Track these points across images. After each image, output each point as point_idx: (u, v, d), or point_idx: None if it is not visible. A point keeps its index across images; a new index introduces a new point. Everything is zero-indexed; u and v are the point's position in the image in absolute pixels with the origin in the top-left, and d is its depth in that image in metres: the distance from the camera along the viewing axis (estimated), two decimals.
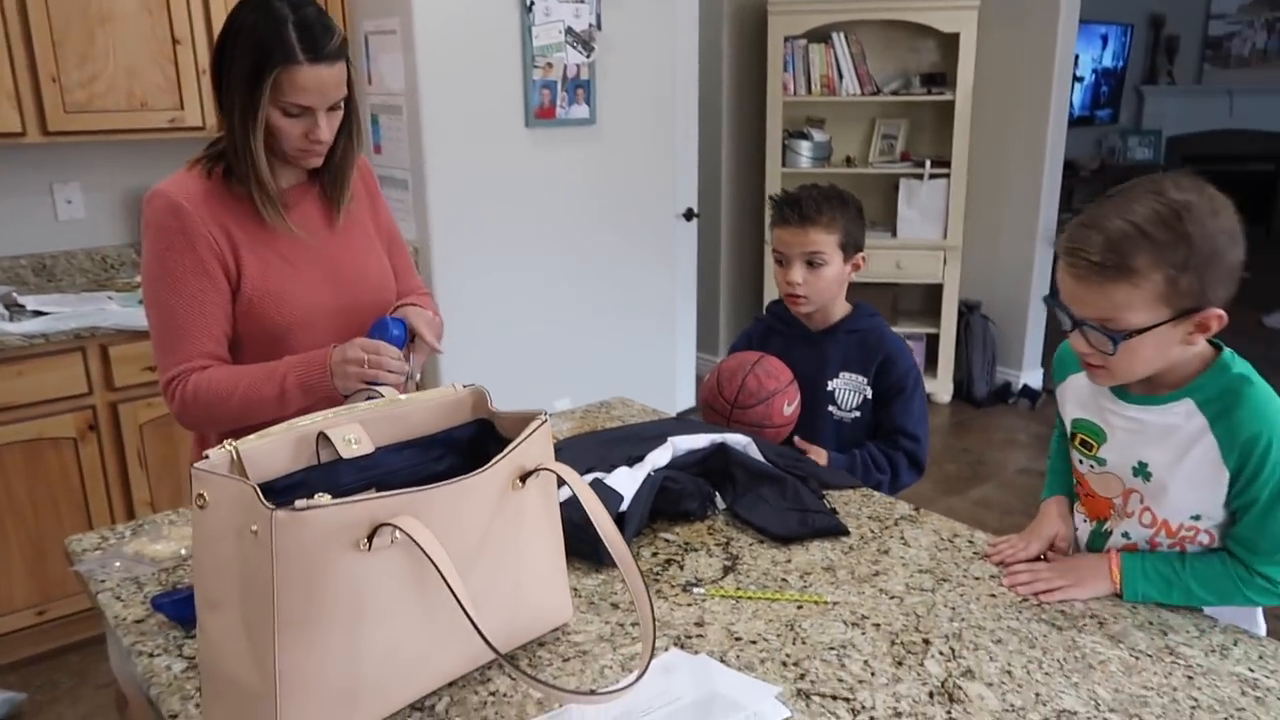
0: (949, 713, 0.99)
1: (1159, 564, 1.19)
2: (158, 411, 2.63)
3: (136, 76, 2.70)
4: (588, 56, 3.16)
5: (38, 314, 2.55)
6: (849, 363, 1.80)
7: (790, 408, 1.70)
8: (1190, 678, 1.05)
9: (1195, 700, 1.01)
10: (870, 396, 1.80)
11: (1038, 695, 1.02)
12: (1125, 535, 1.26)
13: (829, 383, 1.81)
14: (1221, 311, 1.09)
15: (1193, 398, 1.16)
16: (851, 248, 1.77)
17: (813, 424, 1.79)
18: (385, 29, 2.92)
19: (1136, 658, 1.08)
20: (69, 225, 2.99)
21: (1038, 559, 1.29)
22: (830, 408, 1.81)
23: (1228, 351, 1.18)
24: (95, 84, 2.64)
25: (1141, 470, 1.21)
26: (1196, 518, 1.19)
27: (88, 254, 3.00)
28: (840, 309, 1.84)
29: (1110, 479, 1.26)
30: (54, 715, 2.42)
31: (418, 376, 1.52)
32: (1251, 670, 1.06)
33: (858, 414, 1.80)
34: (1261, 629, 1.26)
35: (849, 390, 1.80)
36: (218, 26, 2.74)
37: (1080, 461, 1.30)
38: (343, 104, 1.46)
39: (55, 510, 2.55)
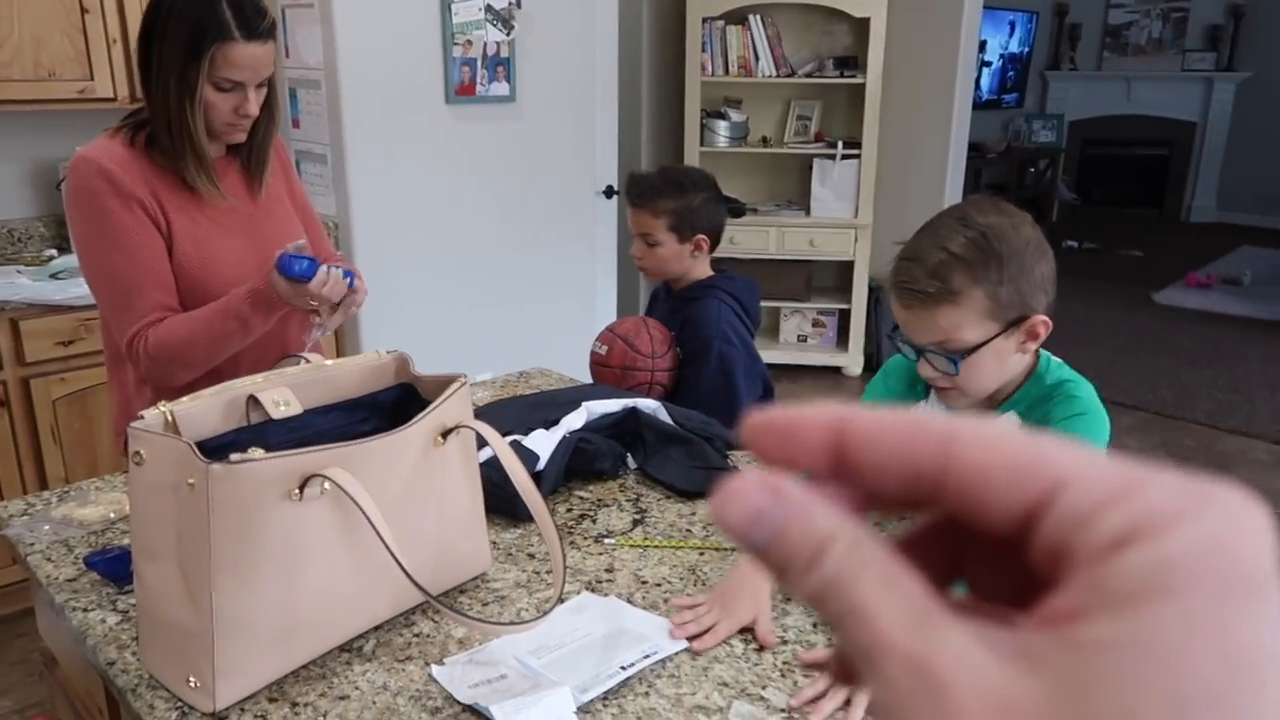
0: (830, 639, 1.10)
1: None
2: (71, 387, 2.61)
3: (44, 46, 2.65)
4: (507, 34, 3.21)
5: None
6: (671, 325, 1.97)
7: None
8: None
9: None
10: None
11: None
12: None
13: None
14: (1046, 318, 1.19)
15: (1015, 409, 1.25)
16: (687, 230, 1.92)
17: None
18: (303, 2, 2.92)
19: None
20: None
21: None
22: None
23: (1044, 359, 1.26)
24: (0, 53, 2.59)
25: None
26: None
27: None
28: (694, 276, 1.99)
29: None
30: None
31: (328, 331, 1.59)
32: None
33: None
34: None
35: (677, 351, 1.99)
36: None
37: None
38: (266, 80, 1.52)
39: None
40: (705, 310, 1.93)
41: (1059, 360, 1.28)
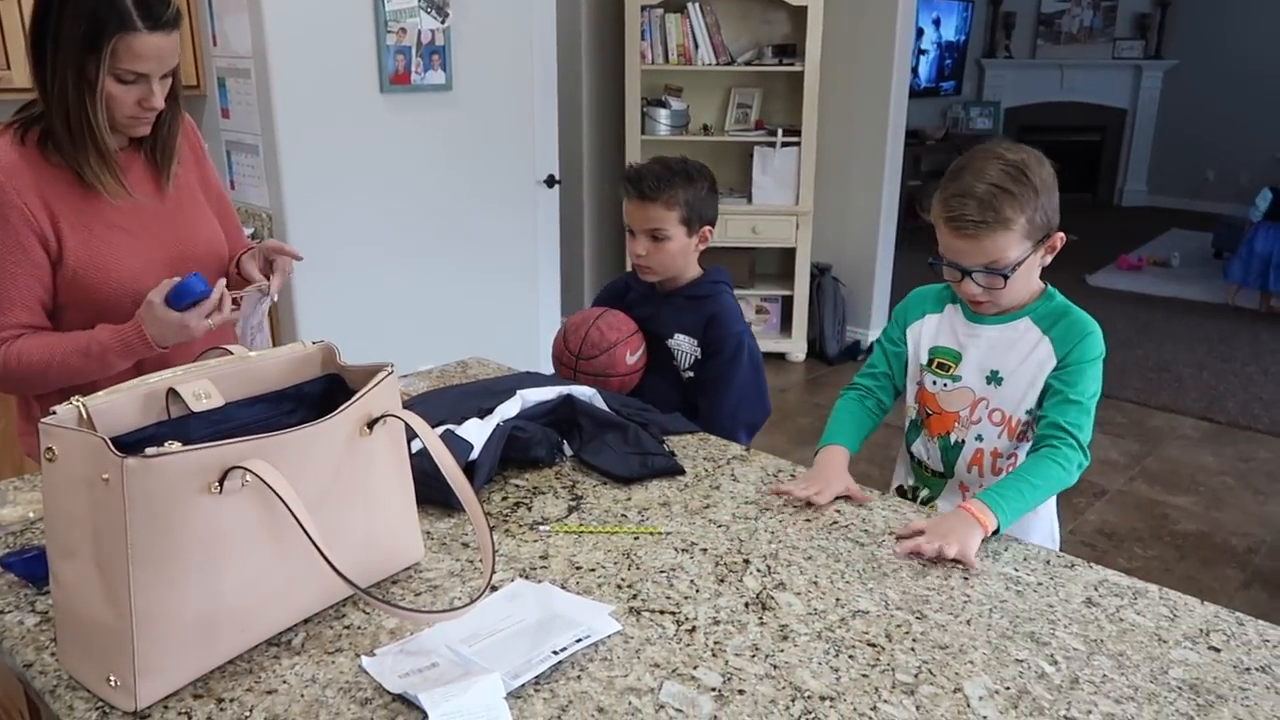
0: (760, 619, 1.12)
1: (1007, 482, 1.37)
2: None
3: None
4: (442, 22, 3.17)
5: None
6: (684, 325, 1.88)
7: (633, 357, 1.81)
8: (965, 579, 1.21)
9: (968, 595, 1.17)
10: (700, 357, 1.88)
11: (838, 600, 1.16)
12: (979, 439, 1.52)
13: (667, 341, 1.90)
14: (1062, 234, 1.44)
15: (1030, 316, 1.50)
16: (696, 222, 1.84)
17: (660, 378, 1.90)
18: None
19: (924, 565, 1.24)
20: None
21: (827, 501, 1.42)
22: (674, 364, 1.91)
23: (1050, 287, 1.52)
24: None
25: (994, 377, 1.50)
26: (1029, 411, 1.48)
27: None
28: (690, 273, 1.91)
29: (962, 392, 1.53)
30: None
31: (275, 298, 1.57)
32: (1016, 570, 1.24)
33: (691, 374, 1.89)
34: (1056, 542, 1.54)
35: (683, 351, 1.89)
36: None
37: (934, 383, 1.56)
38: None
39: None
40: (728, 306, 1.88)
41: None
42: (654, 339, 1.89)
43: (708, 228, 1.88)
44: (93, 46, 1.35)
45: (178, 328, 1.40)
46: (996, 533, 1.29)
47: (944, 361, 1.55)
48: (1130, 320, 5.69)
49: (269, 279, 1.56)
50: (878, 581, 1.20)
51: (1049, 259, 1.46)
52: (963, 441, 1.54)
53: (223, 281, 1.46)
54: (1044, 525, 1.55)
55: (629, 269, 2.05)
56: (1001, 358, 1.50)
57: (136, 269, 1.50)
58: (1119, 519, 3.36)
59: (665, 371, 1.90)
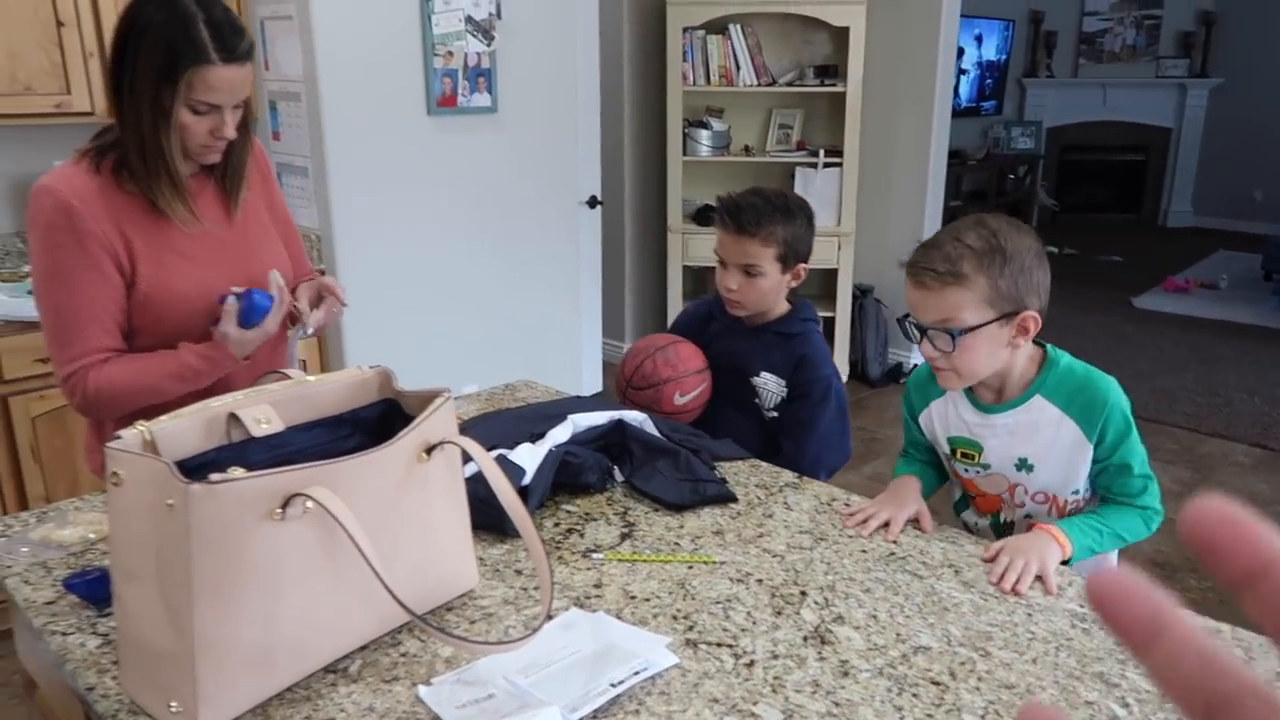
0: (820, 654, 1.10)
1: (1087, 522, 1.36)
2: (51, 404, 2.58)
3: (19, 60, 2.63)
4: (488, 45, 3.20)
5: None
6: (772, 364, 1.82)
7: (683, 398, 1.75)
8: (1030, 614, 1.18)
9: (1032, 633, 1.14)
10: (786, 397, 1.83)
11: (898, 635, 1.14)
12: (1028, 517, 1.46)
13: (752, 379, 1.84)
14: (1036, 314, 1.35)
15: (1040, 393, 1.42)
16: (792, 259, 1.77)
17: (741, 414, 1.84)
18: (282, 14, 2.90)
19: (985, 599, 1.22)
20: None
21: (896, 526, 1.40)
22: (756, 401, 1.85)
23: (1050, 349, 1.44)
24: None
25: (1024, 464, 1.43)
26: (1076, 492, 1.42)
27: None
28: (778, 309, 1.84)
29: (996, 479, 1.47)
30: None
31: (310, 331, 1.59)
32: (1081, 606, 1.20)
33: (774, 414, 1.84)
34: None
35: (769, 390, 1.83)
36: (103, 8, 2.71)
37: (965, 471, 1.51)
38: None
39: None
40: (818, 347, 1.83)
41: (1067, 354, 1.45)
42: (737, 374, 1.83)
43: (802, 265, 1.80)
44: (168, 78, 1.38)
45: (259, 336, 1.48)
46: (1066, 563, 1.27)
47: (967, 452, 1.50)
48: (1178, 344, 5.58)
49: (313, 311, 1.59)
50: (939, 616, 1.18)
51: (1021, 341, 1.37)
52: (1013, 521, 1.50)
53: (277, 278, 1.51)
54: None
55: (710, 294, 1.96)
56: (1025, 444, 1.43)
57: (204, 294, 1.53)
58: (1172, 548, 3.28)
59: (747, 408, 1.84)
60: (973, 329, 1.33)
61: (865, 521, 1.40)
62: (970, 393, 1.47)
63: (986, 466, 1.47)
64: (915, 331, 1.39)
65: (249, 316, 1.45)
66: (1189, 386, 4.85)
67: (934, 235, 1.39)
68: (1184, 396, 4.71)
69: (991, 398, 1.45)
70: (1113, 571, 0.26)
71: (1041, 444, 1.41)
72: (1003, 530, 1.50)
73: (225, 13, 1.42)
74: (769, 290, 1.79)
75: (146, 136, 1.42)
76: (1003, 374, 1.42)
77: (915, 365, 4.99)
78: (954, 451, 1.51)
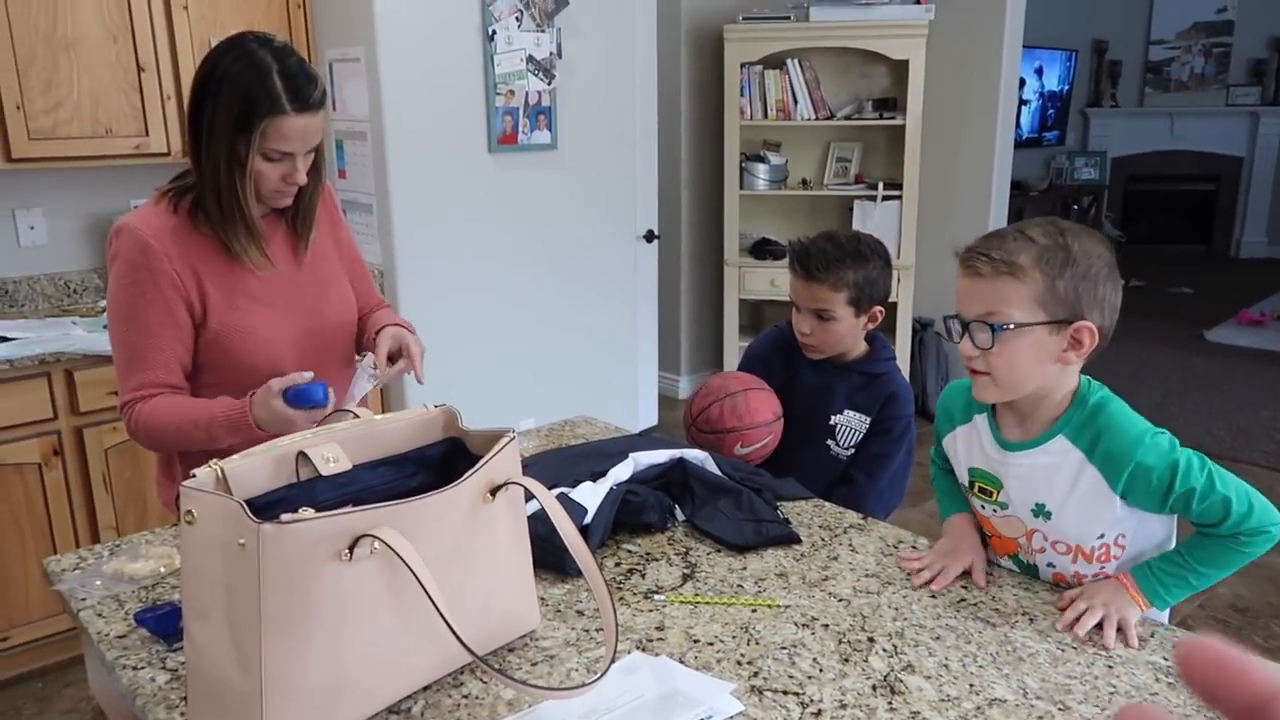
0: (890, 704, 1.07)
1: (1166, 566, 1.23)
2: (123, 436, 2.63)
3: (101, 103, 2.73)
4: (549, 84, 3.25)
5: (2, 339, 2.56)
6: (856, 401, 1.80)
7: (744, 449, 1.72)
8: (1110, 667, 1.14)
9: (1114, 687, 1.10)
10: (865, 433, 1.81)
11: (971, 686, 1.10)
12: (1050, 565, 1.35)
13: (833, 417, 1.82)
14: (1093, 325, 1.20)
15: (1064, 433, 1.27)
16: (866, 302, 1.75)
17: (814, 457, 1.81)
18: (350, 57, 2.98)
19: (1063, 650, 1.17)
20: (31, 251, 3.00)
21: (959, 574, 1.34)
22: (829, 442, 1.82)
23: (1084, 381, 1.29)
24: (60, 111, 2.67)
25: (1040, 510, 1.31)
26: (1101, 536, 1.29)
27: (50, 279, 3.02)
28: (858, 349, 1.83)
29: (1013, 521, 1.35)
30: None
31: (379, 383, 1.58)
32: (1166, 659, 1.15)
33: (851, 451, 1.82)
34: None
35: (850, 428, 1.81)
36: (182, 54, 2.82)
37: (983, 507, 1.39)
38: None
39: (19, 536, 2.55)
40: (904, 387, 1.82)
41: (1098, 383, 1.30)
42: (818, 411, 1.81)
43: (878, 308, 1.78)
44: (244, 127, 1.42)
45: (284, 422, 1.40)
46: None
47: (985, 486, 1.37)
48: (1254, 378, 5.39)
49: (390, 364, 1.58)
50: (1013, 666, 1.14)
51: (1073, 358, 1.22)
52: (1035, 564, 1.37)
53: (369, 365, 1.54)
54: None
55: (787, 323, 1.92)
56: (1043, 489, 1.29)
57: (273, 335, 1.56)
58: (1252, 593, 3.15)
59: (818, 444, 1.83)
60: (1018, 326, 1.20)
61: (920, 572, 1.34)
62: (994, 421, 1.34)
63: (1004, 505, 1.35)
64: (957, 327, 1.25)
65: (298, 398, 1.41)
66: (1266, 423, 4.68)
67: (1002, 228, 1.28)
68: (1261, 433, 4.53)
69: (1016, 429, 1.31)
70: (1201, 642, 0.25)
71: (1060, 491, 1.28)
72: (1029, 571, 1.39)
73: (299, 63, 1.46)
74: (844, 334, 1.77)
75: (223, 182, 1.46)
76: (1038, 397, 1.27)
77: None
78: (972, 484, 1.39)
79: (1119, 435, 1.23)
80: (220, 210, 1.49)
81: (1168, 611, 1.32)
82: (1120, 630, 1.19)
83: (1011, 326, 1.20)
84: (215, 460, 1.01)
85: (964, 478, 1.41)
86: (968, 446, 1.39)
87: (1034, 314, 1.20)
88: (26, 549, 2.56)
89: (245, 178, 1.46)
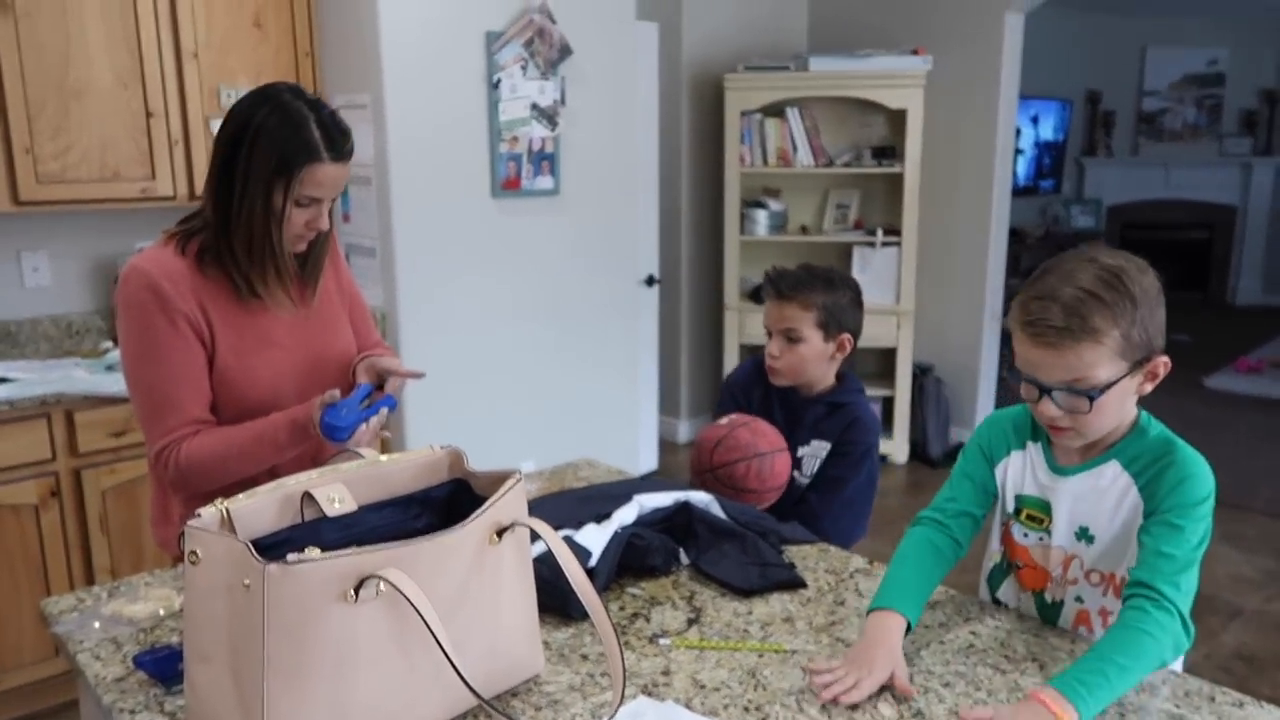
0: None
1: (1082, 664, 1.13)
2: (121, 478, 2.64)
3: (110, 148, 2.76)
4: (552, 130, 3.29)
5: (3, 380, 2.56)
6: (820, 430, 1.84)
7: (759, 507, 1.73)
8: (1122, 715, 1.12)
9: None
10: (825, 456, 1.84)
11: None
12: (1079, 600, 1.33)
13: (799, 449, 1.85)
14: (1166, 358, 1.23)
15: (1118, 459, 1.28)
16: (834, 327, 1.81)
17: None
18: (357, 103, 3.02)
19: None
20: (35, 292, 3.01)
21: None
22: (794, 473, 1.84)
23: (1144, 414, 1.31)
24: (69, 155, 2.70)
25: (1084, 534, 1.31)
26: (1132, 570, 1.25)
27: (53, 320, 3.02)
28: (827, 380, 1.88)
29: (1053, 551, 1.34)
30: None
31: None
32: (1177, 706, 1.14)
33: (808, 479, 1.84)
34: (1179, 667, 1.33)
35: (815, 457, 1.84)
36: (191, 100, 2.85)
37: (1025, 535, 1.37)
38: None
39: (13, 578, 2.53)
40: (870, 415, 1.84)
41: (1163, 426, 1.31)
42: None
43: (846, 336, 1.83)
44: (284, 174, 1.45)
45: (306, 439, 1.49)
46: None
47: (1034, 514, 1.35)
48: (1254, 426, 5.39)
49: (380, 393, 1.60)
50: None
51: (1149, 387, 1.24)
52: (1061, 601, 1.35)
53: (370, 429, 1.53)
54: None
55: (758, 356, 1.98)
56: (1089, 512, 1.30)
57: (277, 376, 1.57)
58: (1258, 641, 3.11)
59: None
60: (1108, 386, 1.19)
61: (829, 686, 1.15)
62: (1049, 448, 1.34)
63: (1050, 533, 1.33)
64: (1035, 390, 1.23)
65: (328, 431, 1.45)
66: (1267, 471, 4.67)
67: (1041, 280, 1.22)
68: (1263, 481, 4.52)
69: (1073, 455, 1.31)
70: None
71: (1104, 514, 1.28)
72: (1049, 610, 1.37)
73: (332, 114, 1.50)
74: (809, 358, 1.82)
75: (256, 230, 1.48)
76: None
77: (955, 469, 4.84)
78: (1018, 512, 1.38)
79: (1177, 461, 1.24)
80: (249, 254, 1.50)
81: (1181, 659, 1.30)
82: None
83: (1103, 391, 1.19)
84: (220, 500, 1.01)
85: (1009, 505, 1.39)
86: (1019, 474, 1.38)
87: (1119, 368, 1.19)
88: (20, 591, 2.53)
89: (283, 222, 1.48)
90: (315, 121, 1.46)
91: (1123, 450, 1.28)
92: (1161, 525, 1.21)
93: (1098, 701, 1.08)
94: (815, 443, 1.84)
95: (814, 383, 1.87)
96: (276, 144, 1.44)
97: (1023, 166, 8.21)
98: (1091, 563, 1.31)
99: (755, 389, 1.95)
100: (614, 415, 3.75)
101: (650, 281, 4.10)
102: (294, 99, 1.47)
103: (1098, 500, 1.29)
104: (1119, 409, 1.24)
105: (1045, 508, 1.34)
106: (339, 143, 1.48)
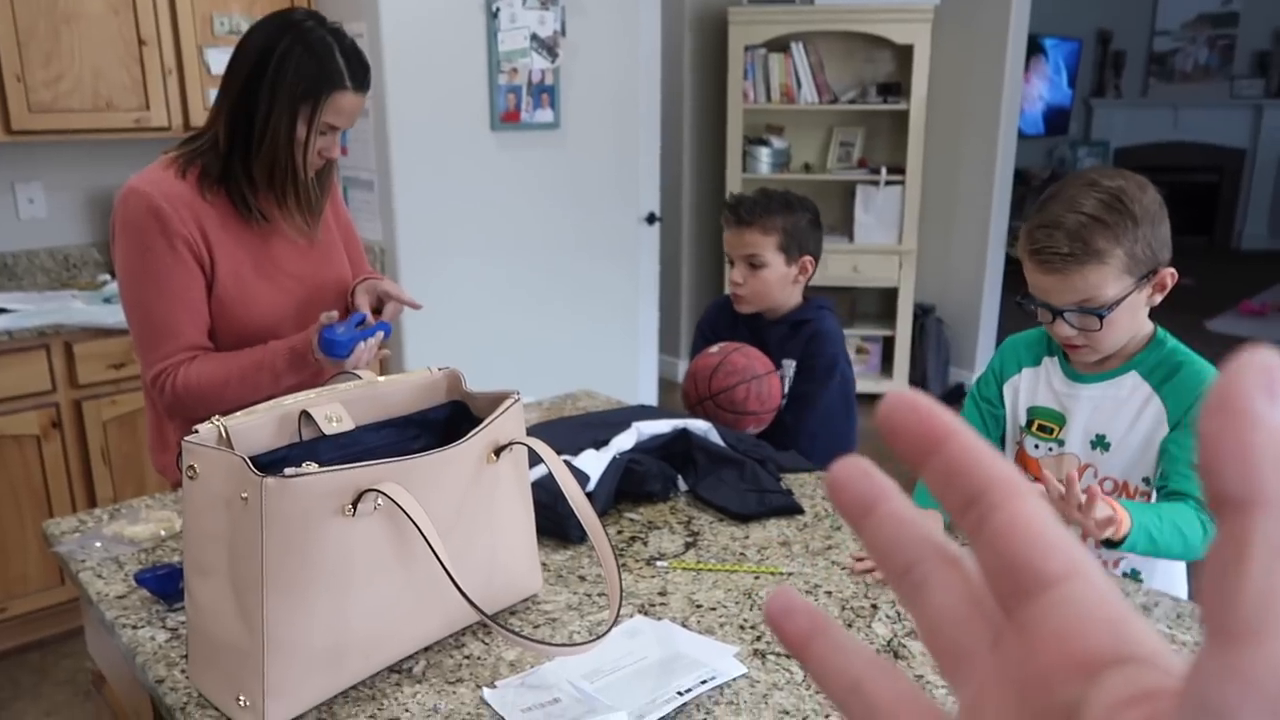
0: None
1: (1143, 510, 1.19)
2: (122, 409, 2.64)
3: (102, 76, 2.72)
4: (552, 62, 3.23)
5: (1, 311, 2.55)
6: (786, 349, 1.85)
7: (755, 430, 1.75)
8: None
9: None
10: (794, 375, 1.85)
11: None
12: None
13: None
14: (1173, 270, 1.28)
15: (1137, 370, 1.34)
16: (795, 250, 1.81)
17: None
18: (353, 32, 2.95)
19: None
20: (31, 224, 2.99)
21: None
22: None
23: (1161, 330, 1.36)
24: (60, 83, 2.65)
25: (1100, 442, 1.35)
26: (1146, 480, 1.32)
27: (50, 253, 3.00)
28: (792, 301, 1.88)
29: (1067, 458, 1.38)
30: (15, 713, 2.42)
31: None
32: (1170, 628, 1.15)
33: (785, 400, 1.84)
34: (1184, 593, 1.36)
35: (785, 378, 1.84)
36: (183, 29, 2.80)
37: (1036, 447, 1.42)
38: None
39: (17, 508, 2.55)
40: (829, 329, 1.83)
41: (1178, 340, 1.36)
42: None
43: (808, 258, 1.83)
44: (311, 100, 1.45)
45: (330, 361, 1.49)
46: (1114, 545, 1.14)
47: (1045, 424, 1.40)
48: None
49: (376, 316, 1.60)
50: None
51: (1158, 298, 1.30)
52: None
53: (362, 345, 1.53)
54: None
55: (725, 294, 2.01)
56: (1107, 420, 1.34)
57: (276, 303, 1.57)
58: None
59: None
60: (1117, 303, 1.25)
61: (871, 570, 1.24)
62: (1065, 359, 1.38)
63: (1061, 443, 1.37)
64: (1048, 313, 1.29)
65: (330, 349, 1.47)
66: None
67: (1043, 209, 1.27)
68: None
69: (1091, 366, 1.36)
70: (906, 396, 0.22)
71: (1123, 423, 1.32)
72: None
73: (353, 44, 1.51)
74: (773, 282, 1.82)
75: (280, 154, 1.48)
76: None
77: (966, 399, 4.85)
78: (1030, 424, 1.41)
79: (1192, 372, 1.29)
80: (270, 180, 1.50)
81: (1185, 585, 1.33)
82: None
83: (1113, 304, 1.25)
84: (217, 417, 1.01)
85: (1021, 418, 1.44)
86: (1031, 387, 1.43)
87: (1125, 285, 1.25)
88: (24, 521, 2.55)
89: (305, 148, 1.48)
90: (339, 50, 1.47)
91: (1141, 361, 1.33)
92: (1186, 435, 1.26)
93: (1145, 536, 1.14)
94: (785, 362, 1.85)
95: (779, 307, 1.87)
96: (303, 71, 1.44)
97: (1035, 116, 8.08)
98: (1106, 470, 1.35)
99: (722, 324, 1.95)
100: (613, 352, 3.74)
101: (651, 219, 4.06)
102: (317, 26, 1.48)
103: (1116, 409, 1.34)
104: (1130, 322, 1.29)
105: (1058, 418, 1.39)
106: (359, 73, 1.50)
